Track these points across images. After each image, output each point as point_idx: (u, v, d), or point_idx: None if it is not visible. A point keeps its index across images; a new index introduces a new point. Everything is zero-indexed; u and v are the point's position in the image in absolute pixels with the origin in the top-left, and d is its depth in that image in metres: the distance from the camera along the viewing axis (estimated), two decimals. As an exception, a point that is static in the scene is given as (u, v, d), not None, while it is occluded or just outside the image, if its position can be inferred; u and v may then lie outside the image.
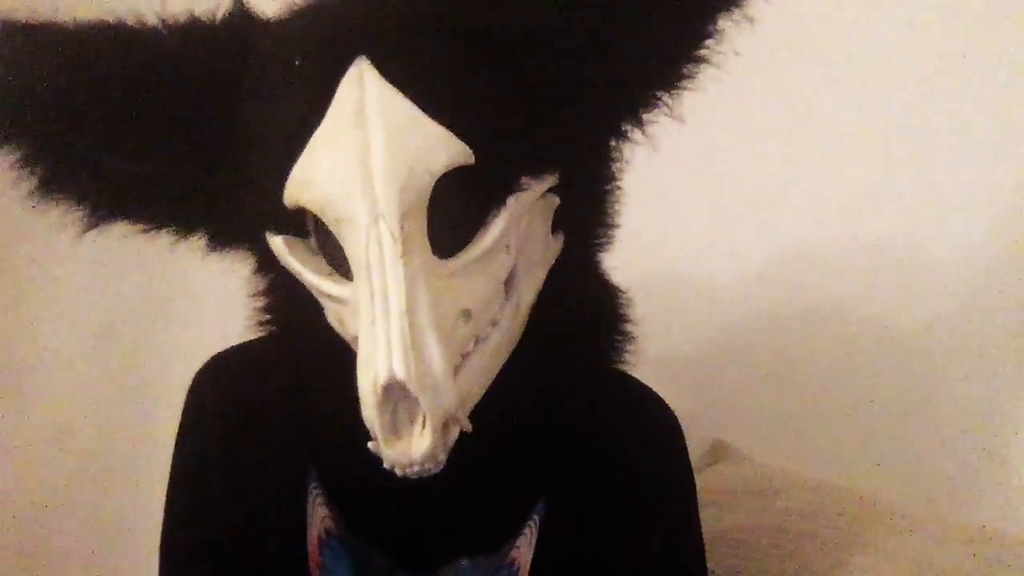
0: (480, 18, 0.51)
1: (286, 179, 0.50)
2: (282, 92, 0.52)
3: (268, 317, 0.63)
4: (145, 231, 0.61)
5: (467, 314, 0.50)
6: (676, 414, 0.67)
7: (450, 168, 0.48)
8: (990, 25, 1.02)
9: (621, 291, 0.65)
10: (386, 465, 0.48)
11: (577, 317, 0.60)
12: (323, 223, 0.51)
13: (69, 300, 1.34)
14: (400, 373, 0.45)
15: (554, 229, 0.59)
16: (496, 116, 0.50)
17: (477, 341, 0.53)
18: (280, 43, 0.54)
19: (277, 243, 0.55)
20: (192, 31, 0.56)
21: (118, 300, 1.35)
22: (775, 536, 0.84)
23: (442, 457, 0.48)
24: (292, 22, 0.55)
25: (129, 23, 0.56)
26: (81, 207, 0.58)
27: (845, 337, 1.10)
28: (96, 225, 0.59)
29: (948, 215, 1.04)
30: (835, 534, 0.82)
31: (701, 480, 0.97)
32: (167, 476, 0.65)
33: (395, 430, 0.47)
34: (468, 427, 0.50)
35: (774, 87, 1.07)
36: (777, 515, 0.87)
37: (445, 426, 0.48)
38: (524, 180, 0.52)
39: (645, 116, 0.57)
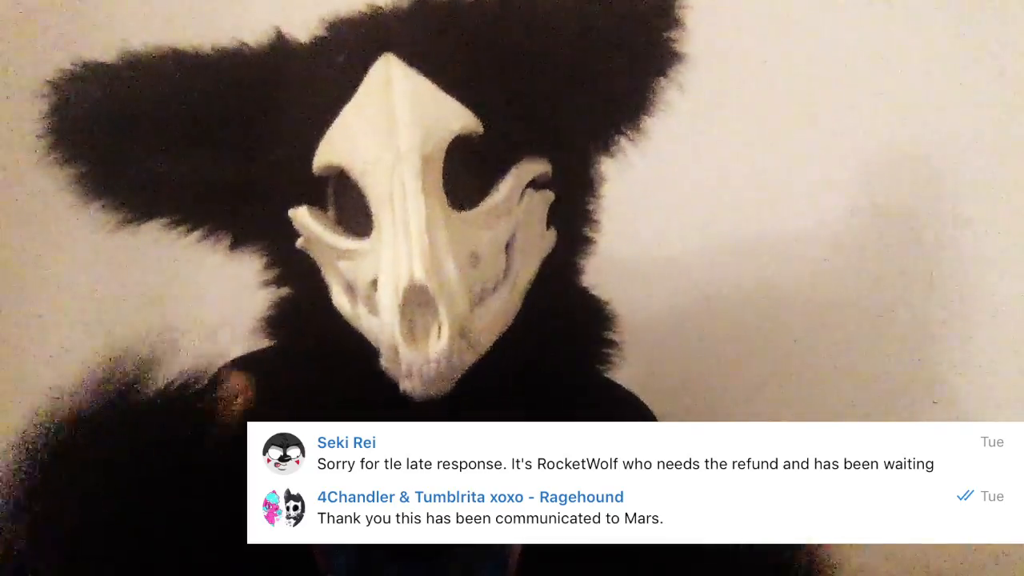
0: (488, 28, 0.61)
1: (315, 149, 0.57)
2: (317, 83, 0.60)
3: (274, 315, 0.66)
4: (174, 227, 0.66)
5: (476, 258, 0.56)
6: (661, 411, 0.68)
7: (463, 132, 0.56)
8: (983, 24, 1.02)
9: (604, 301, 0.68)
10: (403, 370, 0.52)
11: (562, 318, 0.64)
12: (343, 192, 0.58)
13: (69, 300, 1.34)
14: (420, 276, 0.51)
15: (548, 225, 0.63)
16: (499, 101, 0.58)
17: (481, 297, 0.57)
18: (317, 49, 0.62)
19: (301, 212, 0.60)
20: (237, 55, 0.64)
21: (118, 301, 1.36)
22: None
23: (456, 364, 0.53)
24: (327, 31, 0.63)
25: (185, 49, 0.63)
26: (118, 206, 0.64)
27: (829, 326, 1.10)
28: (131, 223, 0.65)
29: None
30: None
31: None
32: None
33: (413, 338, 0.52)
34: (482, 349, 0.55)
35: (747, 75, 1.07)
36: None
37: (461, 334, 0.53)
38: (525, 158, 0.60)
39: (630, 125, 0.66)
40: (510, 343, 0.59)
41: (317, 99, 0.59)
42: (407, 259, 0.52)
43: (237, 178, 0.63)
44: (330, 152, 0.57)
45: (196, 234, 0.67)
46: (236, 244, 0.68)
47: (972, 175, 1.03)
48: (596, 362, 0.67)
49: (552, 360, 0.62)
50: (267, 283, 0.68)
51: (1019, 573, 0.87)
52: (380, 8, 0.62)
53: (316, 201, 0.60)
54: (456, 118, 0.56)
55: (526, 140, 0.60)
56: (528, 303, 0.60)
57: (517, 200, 0.59)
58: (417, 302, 0.51)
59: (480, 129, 0.56)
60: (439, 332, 0.52)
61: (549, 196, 0.62)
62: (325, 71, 0.60)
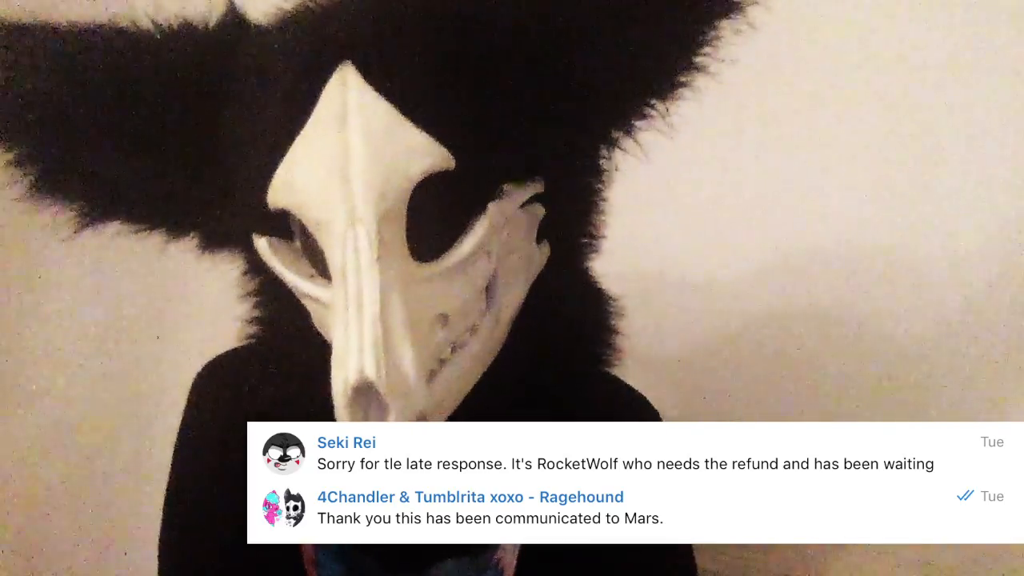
0: (464, 27, 0.51)
1: (270, 181, 0.51)
2: (269, 94, 0.52)
3: (257, 325, 0.64)
4: (137, 232, 0.61)
5: (444, 319, 0.51)
6: (665, 416, 0.68)
7: (430, 173, 0.49)
8: (994, 28, 1.02)
9: (610, 296, 0.65)
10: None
11: (564, 324, 0.61)
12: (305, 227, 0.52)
13: (69, 301, 1.34)
14: (371, 374, 0.45)
15: (539, 238, 0.59)
16: (478, 123, 0.50)
17: (455, 348, 0.53)
18: (267, 49, 0.54)
19: (262, 245, 0.55)
20: (184, 34, 0.57)
21: (118, 301, 1.36)
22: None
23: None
24: (280, 28, 0.55)
25: (123, 25, 0.56)
26: (73, 208, 0.59)
27: (845, 340, 1.10)
28: (88, 226, 0.60)
29: (950, 219, 1.04)
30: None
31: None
32: (167, 477, 0.66)
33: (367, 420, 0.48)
34: (445, 413, 0.51)
35: (773, 88, 1.07)
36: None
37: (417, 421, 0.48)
38: (506, 188, 0.53)
39: (636, 124, 0.57)
40: (512, 343, 0.57)
41: (270, 113, 0.52)
42: (357, 352, 0.46)
43: (192, 183, 0.58)
44: (281, 195, 0.51)
45: (160, 235, 0.62)
46: (206, 247, 0.63)
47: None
48: (601, 359, 0.65)
49: (556, 357, 0.61)
50: (246, 295, 0.64)
51: (1019, 573, 0.87)
52: None
53: (281, 224, 0.54)
54: (422, 158, 0.48)
55: (507, 168, 0.53)
56: (529, 303, 0.58)
57: (497, 235, 0.53)
58: (370, 399, 0.47)
59: (451, 164, 0.49)
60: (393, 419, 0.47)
61: (537, 212, 0.57)
62: (277, 75, 0.52)
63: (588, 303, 0.64)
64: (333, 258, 0.49)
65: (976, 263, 1.03)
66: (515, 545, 0.63)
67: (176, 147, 0.57)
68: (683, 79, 0.55)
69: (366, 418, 0.47)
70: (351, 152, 0.48)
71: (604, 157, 0.60)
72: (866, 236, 1.08)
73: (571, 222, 0.61)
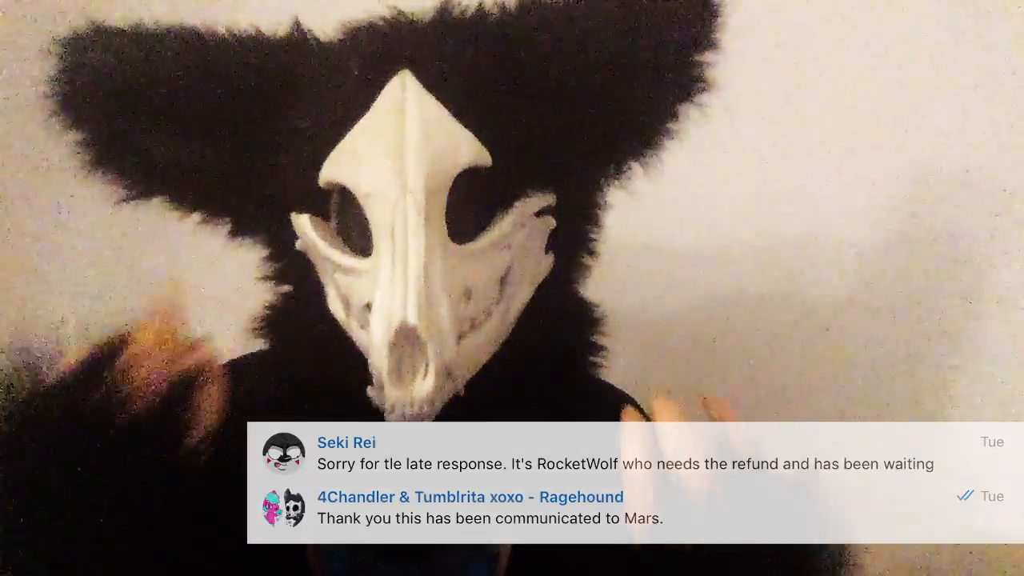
0: (509, 50, 0.59)
1: (323, 162, 0.56)
2: (331, 92, 0.59)
3: (268, 314, 0.66)
4: (176, 210, 0.66)
5: (468, 294, 0.56)
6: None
7: (472, 165, 0.55)
8: (984, 25, 1.02)
9: (594, 304, 0.69)
10: (387, 407, 0.52)
11: (557, 329, 0.65)
12: (346, 207, 0.58)
13: (70, 301, 1.34)
14: (413, 319, 0.51)
15: (547, 250, 0.63)
16: (514, 132, 0.58)
17: (472, 326, 0.57)
18: (334, 54, 0.61)
19: (302, 220, 0.59)
20: (254, 41, 0.63)
21: (119, 301, 1.36)
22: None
23: (438, 404, 0.53)
24: (347, 38, 0.62)
25: (200, 30, 0.62)
26: (125, 182, 0.64)
27: (841, 325, 1.10)
28: (133, 199, 0.65)
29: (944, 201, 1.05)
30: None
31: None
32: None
33: (400, 376, 0.52)
34: (462, 390, 0.56)
35: (766, 87, 1.07)
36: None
37: (446, 376, 0.53)
38: (530, 192, 0.59)
39: (646, 153, 0.65)
40: (504, 351, 0.60)
41: (329, 107, 0.58)
42: (402, 299, 0.52)
43: (240, 170, 0.63)
44: (336, 170, 0.56)
45: (196, 216, 0.66)
46: (236, 232, 0.67)
47: (985, 183, 1.03)
48: (585, 364, 0.67)
49: (542, 363, 0.63)
50: (265, 278, 0.68)
51: (1019, 573, 0.87)
52: (402, 16, 0.61)
53: (319, 208, 0.60)
54: (467, 151, 0.55)
55: (534, 174, 0.59)
56: (530, 306, 0.61)
57: (517, 233, 0.59)
58: (407, 341, 0.52)
59: (489, 162, 0.56)
60: (425, 372, 0.52)
61: (550, 223, 0.62)
62: (340, 78, 0.59)
63: (577, 311, 0.68)
64: (383, 223, 0.54)
65: (973, 261, 1.03)
66: None
67: (232, 137, 0.62)
68: (692, 99, 0.63)
69: (399, 364, 0.52)
70: (407, 135, 0.54)
71: (613, 178, 0.66)
72: (860, 228, 1.08)
73: (574, 237, 0.66)
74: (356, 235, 0.58)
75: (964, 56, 1.02)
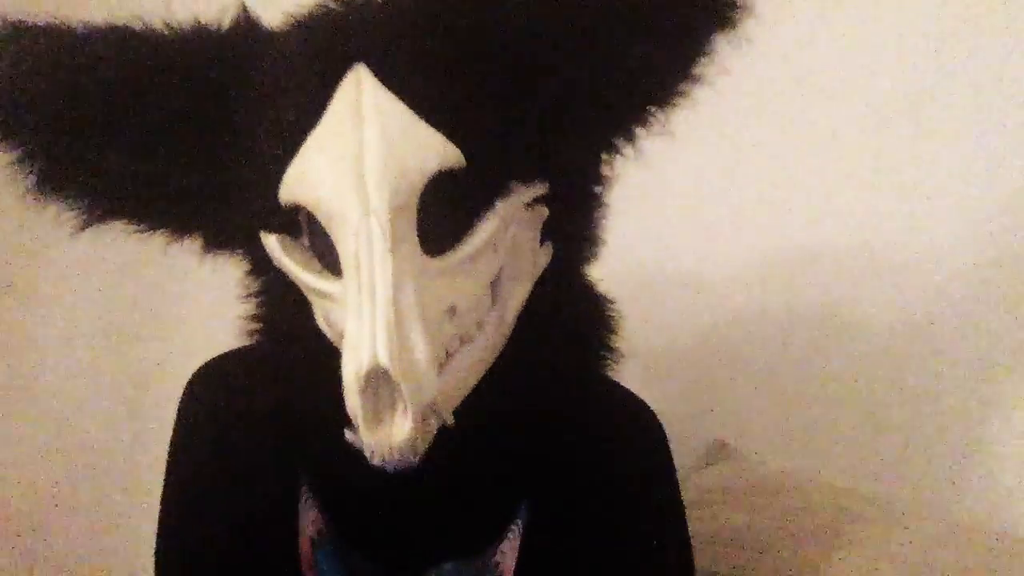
0: (475, 32, 0.52)
1: (282, 177, 0.51)
2: (283, 95, 0.53)
3: (258, 325, 0.63)
4: (140, 232, 0.61)
5: (453, 311, 0.51)
6: (677, 414, 0.68)
7: (442, 170, 0.49)
8: (981, 28, 1.02)
9: (607, 300, 0.65)
10: (366, 453, 0.48)
11: (563, 325, 0.61)
12: (316, 222, 0.52)
13: (68, 301, 1.34)
14: (384, 360, 0.45)
15: (542, 240, 0.59)
16: (488, 123, 0.51)
17: (462, 341, 0.53)
18: (283, 50, 0.55)
19: (271, 241, 0.55)
20: (196, 37, 0.57)
21: (117, 301, 1.36)
22: (775, 535, 0.84)
23: (421, 448, 0.48)
24: (294, 31, 0.56)
25: (134, 27, 0.56)
26: (77, 206, 0.58)
27: (842, 337, 1.10)
28: (91, 224, 0.59)
29: (941, 217, 1.04)
30: (835, 533, 0.82)
31: (701, 480, 0.97)
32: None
33: (377, 418, 0.47)
34: (450, 421, 0.50)
35: (768, 90, 1.07)
36: (777, 515, 0.87)
37: (425, 416, 0.48)
38: (514, 186, 0.53)
39: (637, 131, 0.58)
40: (514, 342, 0.57)
41: (283, 112, 0.52)
42: (370, 336, 0.46)
43: (202, 184, 0.57)
44: (295, 190, 0.51)
45: (162, 236, 0.61)
46: (209, 248, 0.62)
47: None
48: (596, 362, 0.65)
49: (551, 361, 0.60)
50: (248, 295, 0.63)
51: (1019, 573, 0.87)
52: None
53: (289, 224, 0.54)
54: (435, 154, 0.49)
55: (517, 166, 0.53)
56: (531, 303, 0.58)
57: (504, 233, 0.53)
58: (381, 381, 0.46)
59: (462, 162, 0.50)
60: (404, 411, 0.47)
61: (542, 213, 0.57)
62: (290, 78, 0.53)
63: (587, 305, 0.64)
64: (346, 248, 0.49)
65: (971, 261, 1.03)
66: (514, 545, 0.63)
67: (184, 147, 0.57)
68: (682, 90, 0.56)
69: (376, 408, 0.47)
70: (366, 147, 0.49)
71: (606, 161, 0.61)
72: (864, 236, 1.08)
73: (573, 224, 0.62)
74: (327, 252, 0.53)
75: (967, 54, 1.02)
